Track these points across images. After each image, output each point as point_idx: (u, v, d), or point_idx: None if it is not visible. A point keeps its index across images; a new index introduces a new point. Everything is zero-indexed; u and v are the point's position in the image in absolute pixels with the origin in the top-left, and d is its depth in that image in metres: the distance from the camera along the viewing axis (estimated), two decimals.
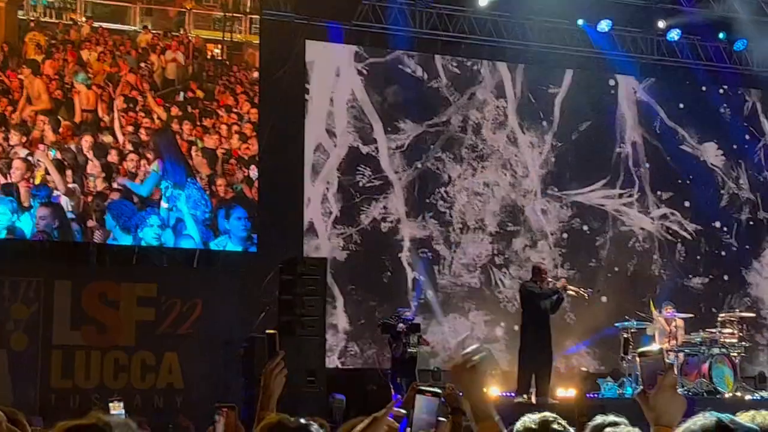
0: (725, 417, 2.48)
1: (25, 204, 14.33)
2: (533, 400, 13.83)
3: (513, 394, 14.26)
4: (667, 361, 3.71)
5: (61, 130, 14.73)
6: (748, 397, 14.74)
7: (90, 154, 14.90)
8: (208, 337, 14.59)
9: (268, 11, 15.80)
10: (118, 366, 13.96)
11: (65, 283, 13.95)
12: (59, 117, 14.73)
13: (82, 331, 13.86)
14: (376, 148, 16.87)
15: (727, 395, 14.49)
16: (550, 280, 14.63)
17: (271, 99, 15.75)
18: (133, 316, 14.22)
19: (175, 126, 15.25)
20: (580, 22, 17.48)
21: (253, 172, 15.58)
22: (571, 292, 14.87)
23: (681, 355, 15.43)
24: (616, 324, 15.79)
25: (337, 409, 13.89)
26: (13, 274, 13.88)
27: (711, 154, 18.61)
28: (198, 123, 15.61)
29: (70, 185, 14.60)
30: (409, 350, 14.72)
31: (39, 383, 13.59)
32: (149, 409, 13.33)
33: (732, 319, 15.77)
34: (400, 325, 14.86)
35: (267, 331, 3.74)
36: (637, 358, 2.80)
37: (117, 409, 6.41)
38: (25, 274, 13.97)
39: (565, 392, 15.35)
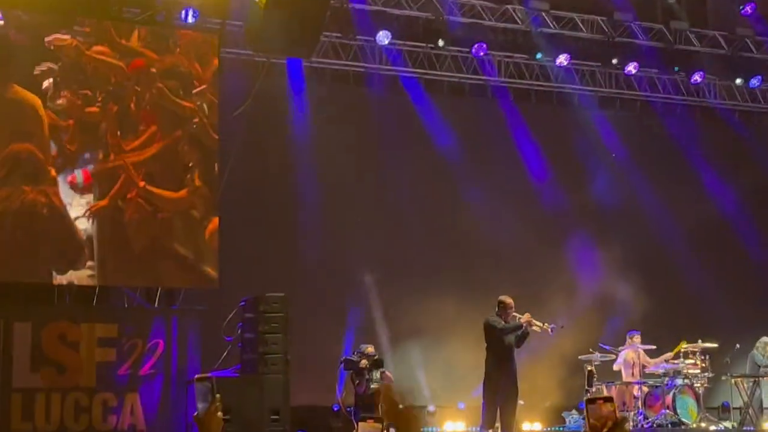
0: None
1: None
2: None
3: (479, 429, 14.06)
4: (620, 414, 3.25)
5: None
6: (712, 427, 15.16)
7: None
8: (170, 377, 14.11)
9: (227, 50, 15.81)
10: (78, 408, 13.54)
11: (23, 325, 13.50)
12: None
13: (41, 373, 13.43)
14: None
15: (691, 426, 14.77)
16: (515, 314, 14.25)
17: (232, 135, 15.56)
18: (94, 356, 13.77)
19: None
20: (539, 56, 17.87)
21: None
22: (535, 327, 14.41)
23: (645, 387, 15.61)
24: (580, 357, 15.83)
25: None
26: None
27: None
28: None
29: None
30: (371, 386, 14.65)
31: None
32: None
33: (695, 349, 15.72)
34: (363, 361, 14.81)
35: (197, 377, 3.50)
36: (587, 405, 2.81)
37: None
38: None
39: (531, 426, 15.59)
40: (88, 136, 14.79)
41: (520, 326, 14.10)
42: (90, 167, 14.83)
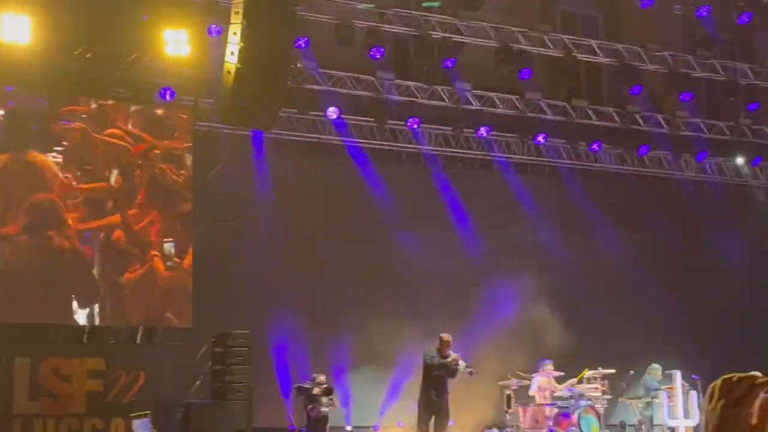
0: None
1: None
2: None
3: None
4: None
5: None
6: None
7: None
8: (150, 404, 14.67)
9: (200, 123, 16.55)
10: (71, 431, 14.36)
11: (23, 360, 14.21)
12: None
13: (39, 402, 14.21)
14: None
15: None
16: (449, 352, 15.29)
17: (204, 196, 16.46)
18: (84, 387, 14.54)
19: None
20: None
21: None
22: (459, 368, 15.30)
23: (555, 408, 16.20)
24: (499, 383, 16.65)
25: None
26: None
27: None
28: None
29: None
30: (322, 410, 15.46)
31: None
32: None
33: (596, 375, 16.45)
34: (315, 388, 15.44)
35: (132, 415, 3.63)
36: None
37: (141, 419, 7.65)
38: None
39: None
40: (94, 208, 15.77)
41: (447, 366, 15.15)
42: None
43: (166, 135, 16.42)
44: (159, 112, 16.52)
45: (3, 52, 14.55)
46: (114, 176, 15.89)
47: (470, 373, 15.25)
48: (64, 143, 15.66)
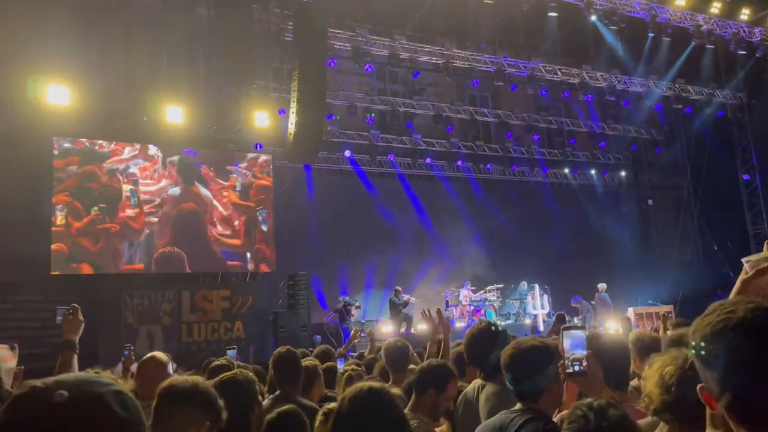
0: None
1: None
2: None
3: None
4: None
5: None
6: (501, 323, 16.04)
7: None
8: (256, 313, 14.93)
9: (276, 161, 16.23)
10: (212, 329, 14.49)
11: (186, 293, 14.39)
12: None
13: (195, 314, 14.42)
14: None
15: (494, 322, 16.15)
16: (403, 297, 15.27)
17: (279, 200, 16.22)
18: (220, 305, 14.70)
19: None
20: None
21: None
22: (410, 302, 15.30)
23: (471, 307, 16.24)
24: (442, 293, 16.43)
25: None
26: (162, 289, 14.20)
27: None
28: None
29: None
30: (353, 312, 15.32)
31: (176, 341, 13.81)
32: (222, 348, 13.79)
33: (493, 289, 16.65)
34: (341, 304, 15.40)
35: (72, 305, 2.90)
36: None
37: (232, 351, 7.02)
38: (167, 288, 14.27)
39: None
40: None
41: (403, 303, 15.13)
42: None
43: (259, 168, 16.14)
44: (253, 155, 16.21)
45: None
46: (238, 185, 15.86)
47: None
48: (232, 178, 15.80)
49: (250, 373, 2.73)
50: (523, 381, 2.40)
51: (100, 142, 14.50)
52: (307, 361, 4.03)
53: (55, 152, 14.04)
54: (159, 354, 3.42)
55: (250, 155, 16.26)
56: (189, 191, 15.30)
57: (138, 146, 14.84)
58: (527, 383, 2.39)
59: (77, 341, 2.91)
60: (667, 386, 1.86)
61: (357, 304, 15.54)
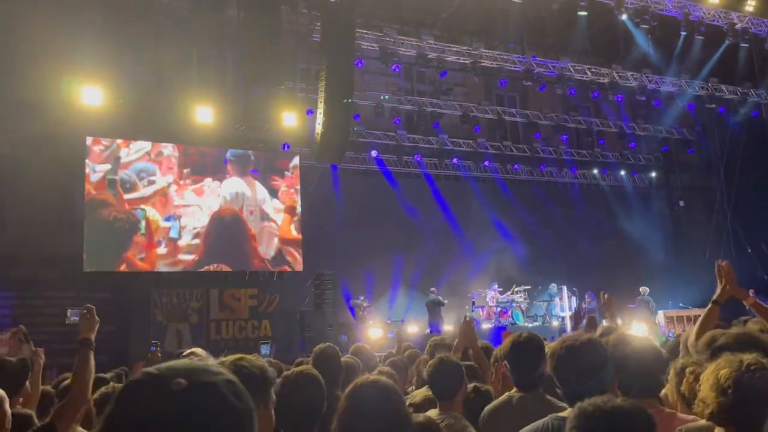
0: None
1: None
2: None
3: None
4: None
5: None
6: (529, 325, 15.45)
7: None
8: (282, 312, 15.06)
9: (303, 161, 16.21)
10: (239, 327, 14.58)
11: (215, 291, 14.51)
12: None
13: (223, 312, 14.51)
14: None
15: (521, 324, 15.39)
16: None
17: (308, 198, 16.29)
18: (247, 303, 14.82)
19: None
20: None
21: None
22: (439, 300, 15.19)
23: (498, 308, 16.09)
24: (469, 294, 16.46)
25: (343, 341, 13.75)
26: (191, 287, 14.35)
27: None
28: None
29: None
30: (366, 307, 15.49)
31: (204, 339, 13.75)
32: (256, 343, 12.86)
33: (519, 290, 16.44)
34: (358, 301, 15.52)
35: (87, 305, 3.02)
36: None
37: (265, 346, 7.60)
38: (196, 286, 14.41)
39: None
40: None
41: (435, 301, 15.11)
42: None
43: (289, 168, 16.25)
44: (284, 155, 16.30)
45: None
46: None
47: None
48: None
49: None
50: (588, 381, 2.23)
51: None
52: (346, 358, 4.07)
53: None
54: (199, 350, 3.47)
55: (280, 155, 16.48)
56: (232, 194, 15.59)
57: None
58: (592, 383, 2.23)
59: (93, 339, 3.02)
60: (723, 389, 1.84)
61: (363, 304, 15.51)
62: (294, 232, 16.10)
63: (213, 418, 0.95)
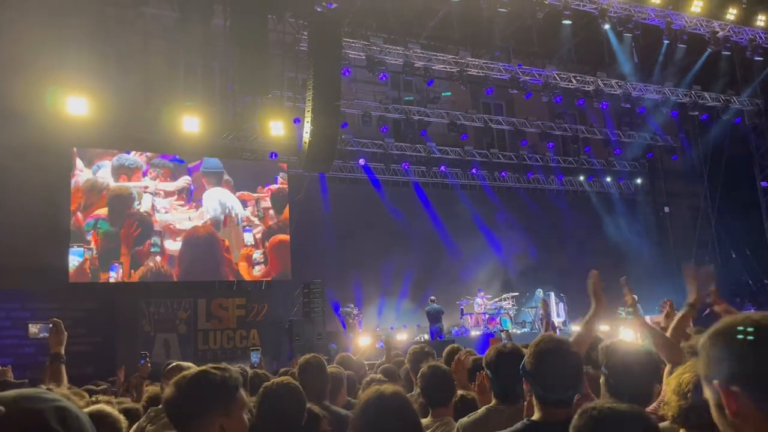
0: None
1: None
2: None
3: None
4: None
5: None
6: (518, 332, 15.36)
7: None
8: (271, 321, 14.97)
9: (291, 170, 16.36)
10: (227, 338, 14.49)
11: (203, 301, 14.40)
12: None
13: (211, 322, 14.38)
14: None
15: (510, 330, 14.01)
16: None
17: (296, 207, 16.29)
18: (235, 313, 14.72)
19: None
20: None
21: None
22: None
23: (486, 315, 16.04)
24: (457, 302, 16.42)
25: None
26: (178, 297, 14.24)
27: None
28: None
29: None
30: (356, 315, 15.53)
31: (192, 349, 13.79)
32: (244, 353, 12.67)
33: (507, 296, 16.46)
34: (347, 309, 15.48)
35: (54, 319, 3.00)
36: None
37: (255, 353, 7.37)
38: (183, 296, 14.29)
39: None
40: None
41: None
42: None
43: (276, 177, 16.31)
44: (270, 164, 16.33)
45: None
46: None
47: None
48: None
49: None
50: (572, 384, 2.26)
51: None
52: (331, 368, 4.07)
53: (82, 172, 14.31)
54: (184, 364, 3.46)
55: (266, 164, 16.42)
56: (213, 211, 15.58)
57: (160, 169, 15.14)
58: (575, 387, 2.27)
59: (63, 353, 3.07)
60: (684, 393, 1.91)
61: (353, 312, 15.49)
62: (283, 238, 16.11)
63: None
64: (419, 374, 3.32)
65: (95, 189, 14.35)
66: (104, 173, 14.50)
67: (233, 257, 15.47)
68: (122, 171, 14.66)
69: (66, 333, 3.12)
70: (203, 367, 2.03)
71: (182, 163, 15.39)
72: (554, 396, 2.20)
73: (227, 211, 15.58)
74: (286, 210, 16.22)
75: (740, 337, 1.09)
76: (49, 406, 1.01)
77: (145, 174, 14.92)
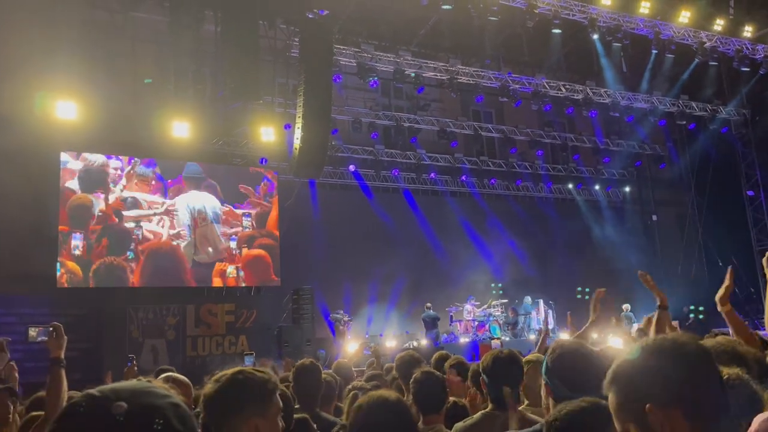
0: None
1: None
2: None
3: None
4: None
5: None
6: (506, 338, 15.57)
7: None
8: (260, 327, 14.90)
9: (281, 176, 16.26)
10: (217, 344, 14.43)
11: (191, 306, 14.32)
12: None
13: (200, 328, 14.33)
14: None
15: (498, 339, 15.18)
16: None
17: (285, 213, 16.21)
18: (224, 319, 14.65)
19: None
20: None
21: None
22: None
23: (476, 322, 16.41)
24: (446, 308, 16.51)
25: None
26: (167, 303, 14.15)
27: None
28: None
29: None
30: (344, 322, 15.37)
31: (181, 355, 13.80)
32: (233, 359, 12.52)
33: (496, 303, 16.86)
34: (337, 315, 15.48)
35: (54, 323, 2.97)
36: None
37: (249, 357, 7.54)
38: (172, 302, 14.19)
39: None
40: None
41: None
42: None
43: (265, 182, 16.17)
44: (260, 170, 16.25)
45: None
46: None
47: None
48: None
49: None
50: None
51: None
52: (325, 375, 4.06)
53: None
54: (178, 376, 3.48)
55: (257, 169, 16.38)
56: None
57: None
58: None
59: (63, 357, 3.02)
60: None
61: (344, 318, 15.46)
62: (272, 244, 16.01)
63: None
64: (412, 380, 3.32)
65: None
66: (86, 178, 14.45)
67: (205, 259, 15.28)
68: (96, 178, 14.51)
69: (66, 337, 3.05)
70: (244, 367, 2.04)
71: (162, 181, 15.19)
72: (579, 396, 2.20)
73: (198, 213, 15.39)
74: (272, 218, 16.07)
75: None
76: (165, 402, 0.98)
77: (120, 179, 14.78)
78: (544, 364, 2.40)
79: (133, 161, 14.88)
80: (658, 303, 3.78)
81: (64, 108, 13.15)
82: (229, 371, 2.01)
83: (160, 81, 15.22)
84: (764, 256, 2.46)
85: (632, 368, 1.18)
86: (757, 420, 1.52)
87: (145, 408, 0.95)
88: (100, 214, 14.29)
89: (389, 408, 2.20)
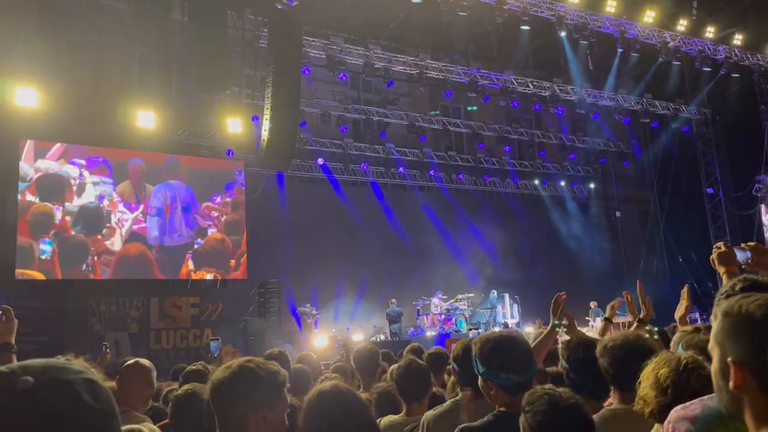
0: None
1: None
2: None
3: None
4: None
5: None
6: (472, 332, 14.99)
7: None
8: (226, 321, 14.58)
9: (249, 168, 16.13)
10: (181, 337, 14.27)
11: (155, 299, 14.20)
12: None
13: (164, 321, 14.19)
14: None
15: (464, 332, 15.20)
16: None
17: (252, 205, 16.13)
18: (189, 312, 14.56)
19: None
20: None
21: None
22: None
23: (442, 316, 16.37)
24: (413, 302, 16.55)
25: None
26: (130, 295, 14.00)
27: None
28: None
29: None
30: (312, 315, 15.52)
31: (144, 348, 13.50)
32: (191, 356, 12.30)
33: (463, 297, 16.76)
34: (304, 308, 15.51)
35: (3, 306, 2.84)
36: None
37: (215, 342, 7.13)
38: (135, 295, 14.04)
39: None
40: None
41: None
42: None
43: (233, 175, 16.10)
44: (227, 161, 16.11)
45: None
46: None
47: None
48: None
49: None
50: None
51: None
52: (296, 365, 4.09)
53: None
54: (143, 360, 3.40)
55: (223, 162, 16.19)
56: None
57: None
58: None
59: (13, 342, 2.86)
60: (663, 389, 1.88)
61: (311, 312, 15.45)
62: (239, 238, 15.89)
63: (60, 415, 0.92)
64: (396, 367, 3.32)
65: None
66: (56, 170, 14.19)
67: (169, 241, 15.21)
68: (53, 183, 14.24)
69: (17, 321, 2.89)
70: (254, 357, 2.03)
71: (111, 182, 14.94)
72: (515, 379, 2.29)
73: (169, 200, 15.33)
74: (239, 214, 15.99)
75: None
76: (78, 377, 0.97)
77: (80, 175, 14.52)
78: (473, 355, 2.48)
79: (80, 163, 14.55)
80: (641, 316, 3.89)
81: (24, 95, 12.85)
82: (239, 359, 2.00)
83: (125, 70, 14.95)
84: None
85: (723, 323, 1.25)
86: (674, 411, 1.61)
87: (53, 382, 0.94)
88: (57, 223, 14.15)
89: (339, 396, 2.20)
